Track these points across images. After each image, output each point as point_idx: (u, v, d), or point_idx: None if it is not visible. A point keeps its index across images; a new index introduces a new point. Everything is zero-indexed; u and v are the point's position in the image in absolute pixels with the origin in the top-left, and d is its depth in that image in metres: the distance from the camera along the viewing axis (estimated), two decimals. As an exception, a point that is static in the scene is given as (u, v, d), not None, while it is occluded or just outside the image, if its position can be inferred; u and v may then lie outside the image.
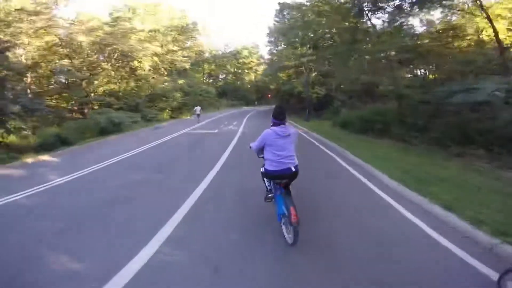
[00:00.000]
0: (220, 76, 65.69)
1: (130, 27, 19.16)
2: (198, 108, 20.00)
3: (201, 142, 10.42)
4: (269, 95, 50.12)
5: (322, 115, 19.71)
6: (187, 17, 31.96)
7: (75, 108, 18.61)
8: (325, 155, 7.83)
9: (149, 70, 21.14)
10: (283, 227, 2.79)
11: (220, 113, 30.62)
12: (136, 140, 11.83)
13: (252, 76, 64.71)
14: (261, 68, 61.86)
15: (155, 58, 21.69)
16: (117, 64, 19.38)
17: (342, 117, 14.23)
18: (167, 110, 22.85)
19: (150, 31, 24.30)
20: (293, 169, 2.71)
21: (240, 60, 61.59)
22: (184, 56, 28.23)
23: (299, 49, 22.80)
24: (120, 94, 20.52)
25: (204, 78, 59.18)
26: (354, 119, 12.47)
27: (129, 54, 19.15)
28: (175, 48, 24.54)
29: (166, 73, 23.31)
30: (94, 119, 12.84)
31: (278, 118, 2.77)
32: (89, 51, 19.04)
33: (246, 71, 64.09)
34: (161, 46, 25.98)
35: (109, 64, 18.88)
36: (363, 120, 11.79)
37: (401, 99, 10.55)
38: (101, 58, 19.24)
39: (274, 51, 27.40)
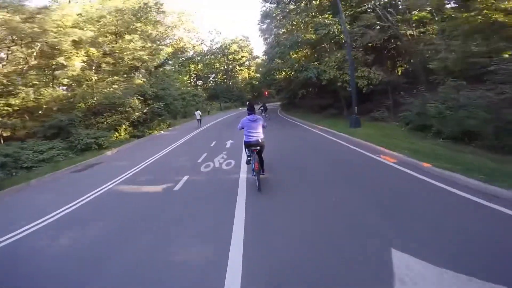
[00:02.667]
0: (211, 77, 57.92)
1: (40, 7, 11.43)
2: (198, 113, 19.78)
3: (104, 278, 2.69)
4: (266, 93, 42.67)
5: (368, 112, 12.03)
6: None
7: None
8: None
9: (83, 69, 13.22)
10: (256, 179, 4.49)
11: (210, 120, 22.97)
12: None
13: (246, 74, 57.08)
14: (254, 63, 54.26)
15: (93, 50, 13.76)
16: (21, 63, 11.63)
17: (452, 119, 6.56)
18: (124, 126, 14.94)
19: (101, 16, 16.60)
20: (260, 140, 4.57)
21: (230, 56, 53.94)
22: (156, 50, 20.53)
23: (317, 17, 14.65)
24: (46, 109, 12.91)
25: (192, 80, 51.43)
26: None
27: (40, 45, 11.48)
28: (134, 37, 16.85)
29: (111, 71, 15.39)
30: None
31: (249, 110, 4.80)
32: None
33: (238, 68, 56.41)
34: (115, 35, 18.35)
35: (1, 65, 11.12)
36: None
37: None
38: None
39: (282, 19, 17.52)
